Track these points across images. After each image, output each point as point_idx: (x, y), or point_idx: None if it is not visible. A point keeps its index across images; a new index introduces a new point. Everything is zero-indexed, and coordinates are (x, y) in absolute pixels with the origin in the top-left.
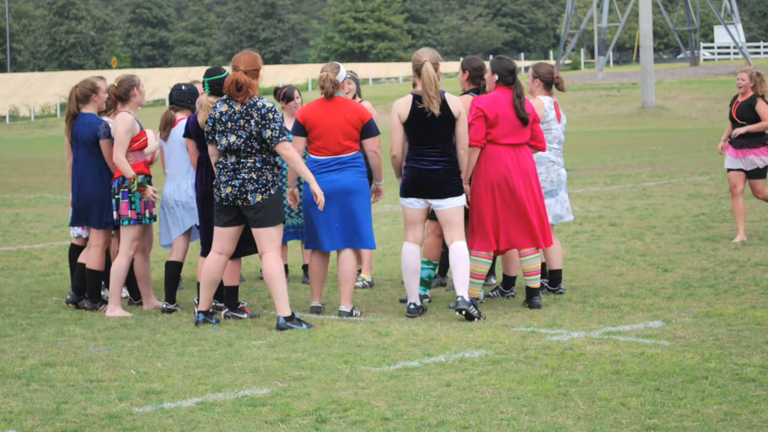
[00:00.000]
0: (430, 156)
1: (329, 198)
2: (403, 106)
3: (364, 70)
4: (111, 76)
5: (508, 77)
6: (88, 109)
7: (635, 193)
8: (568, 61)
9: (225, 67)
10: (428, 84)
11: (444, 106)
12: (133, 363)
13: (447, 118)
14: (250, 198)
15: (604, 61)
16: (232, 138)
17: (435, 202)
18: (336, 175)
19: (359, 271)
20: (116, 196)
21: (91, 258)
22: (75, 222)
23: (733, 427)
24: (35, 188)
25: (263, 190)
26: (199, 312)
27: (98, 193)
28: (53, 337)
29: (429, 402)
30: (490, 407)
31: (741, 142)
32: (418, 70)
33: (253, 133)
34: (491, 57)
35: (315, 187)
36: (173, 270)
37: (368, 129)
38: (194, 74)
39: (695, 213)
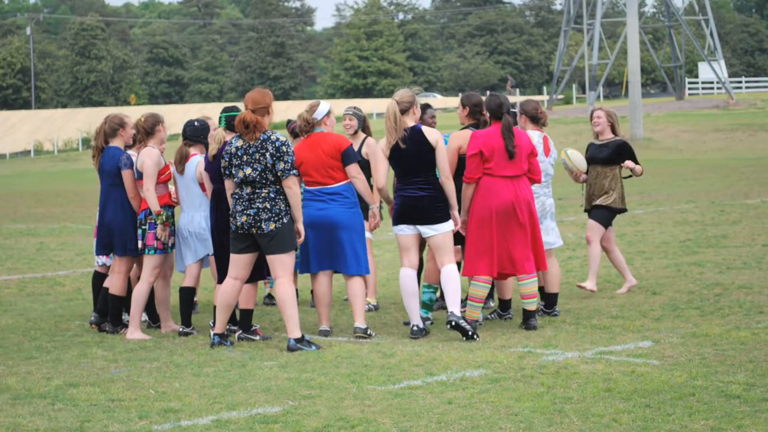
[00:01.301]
0: (415, 185)
1: (316, 225)
2: (384, 142)
3: (369, 105)
4: (129, 113)
5: (497, 112)
6: (115, 142)
7: (625, 221)
8: (560, 96)
9: (238, 104)
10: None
11: (422, 138)
12: (152, 383)
13: (425, 149)
14: (264, 226)
15: (595, 95)
16: (248, 170)
17: (423, 229)
18: (323, 204)
19: None
20: (143, 227)
21: (114, 284)
22: (99, 251)
23: None
24: (58, 218)
25: (276, 218)
26: (214, 334)
27: (120, 222)
28: (76, 359)
29: (432, 419)
30: (490, 423)
31: None
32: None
33: (268, 165)
34: (488, 92)
35: (300, 226)
36: (187, 295)
37: (346, 156)
38: (208, 110)
39: (682, 239)
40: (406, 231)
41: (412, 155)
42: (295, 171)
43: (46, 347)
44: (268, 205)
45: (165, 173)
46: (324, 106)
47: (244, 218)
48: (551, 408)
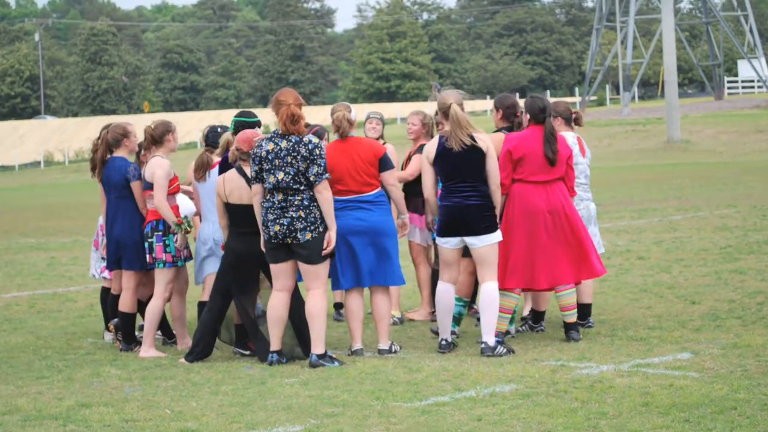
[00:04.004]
0: (463, 192)
1: (356, 235)
2: (430, 148)
3: (392, 109)
4: (143, 121)
5: (538, 116)
6: (120, 153)
7: (662, 227)
8: (593, 98)
9: (254, 110)
10: (457, 122)
11: (472, 142)
12: (168, 402)
13: (476, 154)
14: (300, 236)
15: (630, 96)
16: (281, 175)
17: (469, 240)
18: (363, 213)
19: None
20: (150, 240)
21: (123, 300)
22: (109, 266)
23: None
24: (70, 232)
25: (312, 227)
26: (272, 352)
27: (131, 237)
28: (89, 378)
29: None
30: None
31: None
32: (445, 113)
33: (300, 168)
34: (517, 95)
35: (333, 234)
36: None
37: (384, 163)
38: (225, 117)
39: (722, 245)
40: (451, 244)
41: (459, 159)
42: (327, 175)
43: (58, 366)
44: (302, 214)
45: (174, 184)
46: (353, 109)
47: (277, 227)
48: (585, 424)
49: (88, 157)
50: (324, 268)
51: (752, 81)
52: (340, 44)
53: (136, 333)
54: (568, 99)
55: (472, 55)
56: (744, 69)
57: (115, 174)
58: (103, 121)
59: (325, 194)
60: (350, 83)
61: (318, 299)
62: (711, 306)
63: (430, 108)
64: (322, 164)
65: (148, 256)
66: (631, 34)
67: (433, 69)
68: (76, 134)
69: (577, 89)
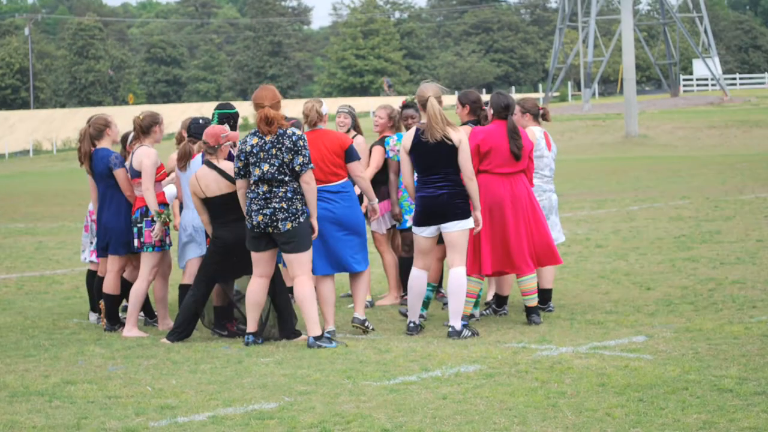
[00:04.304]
0: (435, 183)
1: (324, 224)
2: (407, 139)
3: (365, 103)
4: (128, 112)
5: (501, 113)
6: (103, 143)
7: (620, 217)
8: (556, 94)
9: (234, 103)
10: (433, 117)
11: (445, 135)
12: (149, 380)
13: (448, 146)
14: (280, 226)
15: (590, 93)
16: (266, 167)
17: (442, 225)
18: (329, 204)
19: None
20: (139, 225)
21: (107, 282)
22: (100, 253)
23: None
24: (57, 217)
25: (293, 218)
26: (248, 333)
27: (120, 224)
28: (74, 356)
29: (426, 414)
30: (484, 418)
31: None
32: (423, 105)
33: (285, 160)
34: (483, 90)
35: (314, 221)
36: (186, 292)
37: (349, 154)
38: (206, 109)
39: (676, 234)
40: (426, 233)
41: (433, 151)
42: (312, 165)
43: (44, 345)
44: (284, 205)
45: (161, 172)
46: (325, 104)
47: (260, 218)
48: (545, 403)
49: (75, 146)
50: (306, 255)
51: (706, 79)
52: (316, 41)
53: (120, 314)
54: (532, 95)
55: (442, 52)
56: (699, 68)
57: (100, 164)
58: (89, 112)
59: (312, 185)
60: (325, 78)
61: (304, 285)
62: (665, 292)
63: (395, 102)
64: (306, 154)
65: (136, 240)
66: (592, 33)
67: (405, 65)
68: (64, 124)
69: (540, 86)
